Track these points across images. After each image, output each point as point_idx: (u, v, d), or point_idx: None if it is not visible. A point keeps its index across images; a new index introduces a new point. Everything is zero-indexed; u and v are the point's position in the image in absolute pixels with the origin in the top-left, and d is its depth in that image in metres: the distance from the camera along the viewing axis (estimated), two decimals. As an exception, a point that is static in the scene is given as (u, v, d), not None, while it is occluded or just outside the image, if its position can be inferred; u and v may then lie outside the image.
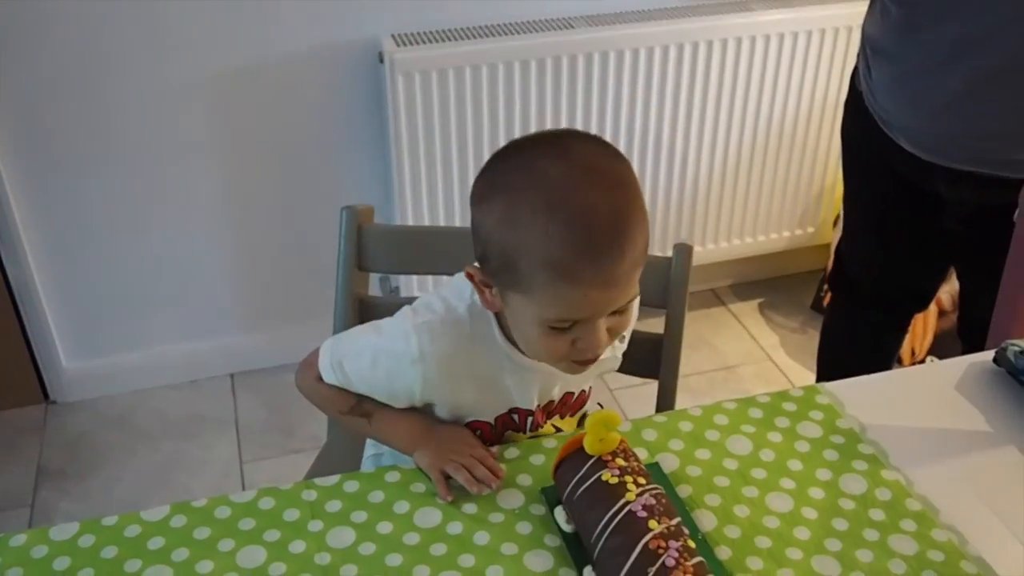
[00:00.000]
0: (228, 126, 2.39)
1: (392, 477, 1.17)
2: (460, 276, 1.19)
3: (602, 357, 1.16)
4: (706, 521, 1.11)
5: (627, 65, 2.43)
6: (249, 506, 1.13)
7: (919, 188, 1.78)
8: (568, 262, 1.02)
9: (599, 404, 1.16)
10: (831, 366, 2.19)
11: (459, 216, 2.49)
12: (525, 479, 1.17)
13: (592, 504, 1.04)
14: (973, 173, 1.68)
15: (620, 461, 1.08)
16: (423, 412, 1.25)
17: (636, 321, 1.31)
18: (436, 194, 2.46)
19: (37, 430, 2.53)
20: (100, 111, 2.28)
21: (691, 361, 2.73)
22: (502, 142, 1.13)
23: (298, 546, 1.08)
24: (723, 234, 2.80)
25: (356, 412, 1.26)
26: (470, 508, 1.12)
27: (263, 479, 2.37)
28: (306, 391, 1.31)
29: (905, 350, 2.65)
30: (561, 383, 1.28)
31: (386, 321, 1.24)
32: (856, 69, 1.84)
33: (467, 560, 1.06)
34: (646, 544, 0.98)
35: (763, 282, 3.06)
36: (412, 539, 1.09)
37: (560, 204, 1.02)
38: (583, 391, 1.34)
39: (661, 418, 1.26)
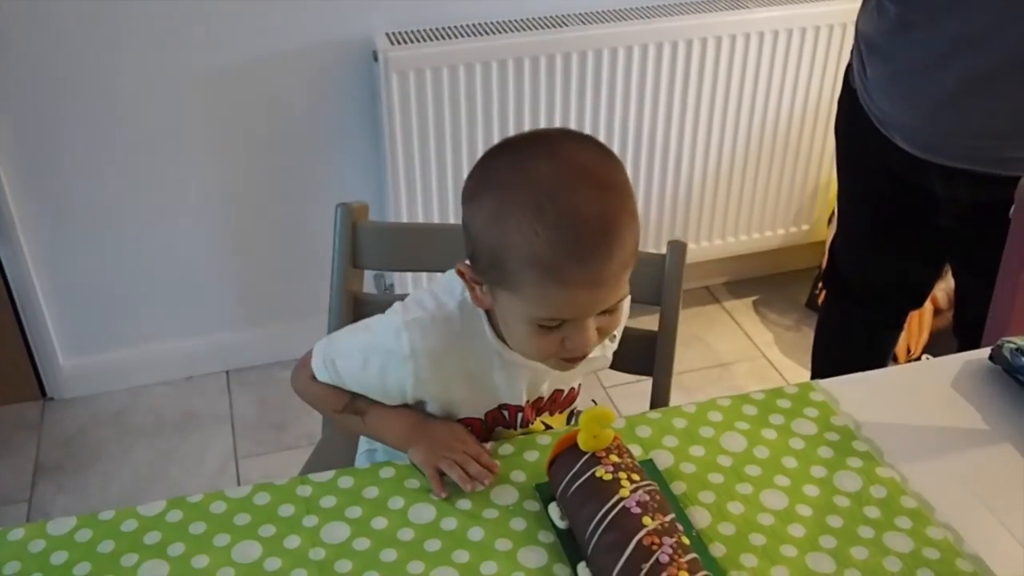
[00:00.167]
0: (223, 124, 2.39)
1: (387, 473, 1.17)
2: (451, 273, 1.20)
3: (591, 356, 1.17)
4: (700, 518, 1.11)
5: (621, 63, 2.44)
6: (244, 501, 1.13)
7: (914, 185, 1.78)
8: (556, 262, 1.02)
9: (593, 401, 1.16)
10: (826, 364, 2.19)
11: (453, 213, 2.49)
12: (519, 475, 1.17)
13: (586, 500, 1.04)
14: (968, 171, 1.68)
15: (614, 458, 1.08)
16: (416, 409, 1.25)
17: (630, 318, 1.32)
18: (431, 191, 2.46)
19: (34, 426, 2.53)
20: (95, 108, 2.28)
21: (685, 358, 2.73)
22: (496, 140, 1.13)
23: (293, 541, 1.08)
24: (717, 231, 2.81)
25: (350, 410, 1.26)
26: (464, 504, 1.12)
27: (258, 475, 2.37)
28: (301, 392, 1.31)
29: (901, 348, 2.66)
30: (550, 380, 1.28)
31: (377, 318, 1.24)
32: (850, 66, 1.84)
33: (461, 556, 1.06)
34: (640, 540, 0.98)
35: (758, 279, 3.06)
36: (406, 535, 1.09)
37: (549, 204, 1.02)
38: (572, 388, 1.34)
39: (655, 415, 1.26)
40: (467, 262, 1.14)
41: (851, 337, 2.16)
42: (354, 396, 1.25)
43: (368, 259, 1.54)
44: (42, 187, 2.33)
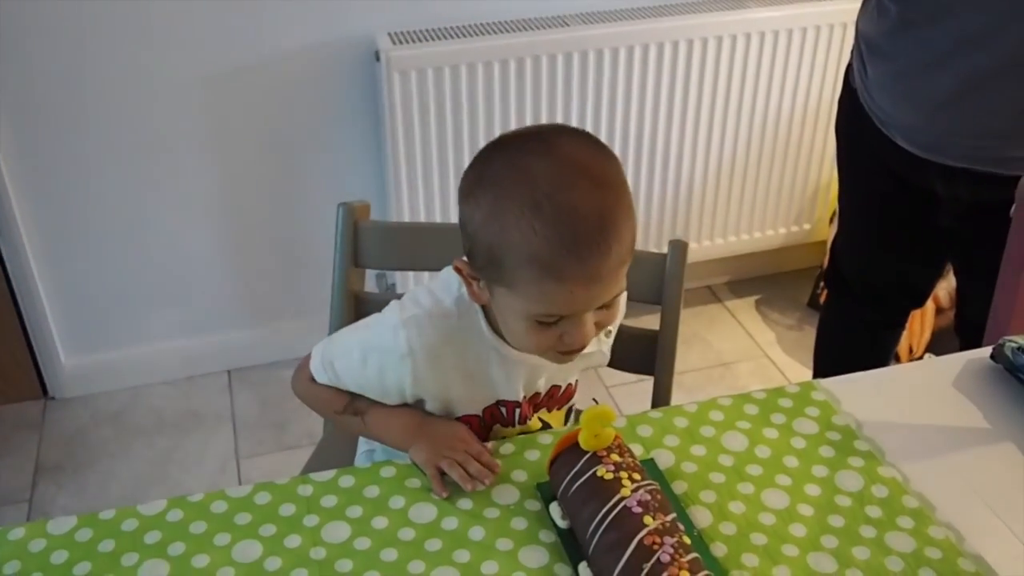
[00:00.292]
0: (225, 124, 2.39)
1: (387, 472, 1.17)
2: (448, 269, 1.20)
3: (588, 351, 1.17)
4: (701, 517, 1.11)
5: (622, 62, 2.44)
6: (245, 501, 1.13)
7: (914, 185, 1.78)
8: (553, 259, 1.02)
9: (594, 400, 1.15)
10: (827, 363, 2.19)
11: (455, 213, 2.45)
12: (520, 475, 1.17)
13: (587, 500, 1.04)
14: (969, 170, 1.68)
15: (615, 457, 1.08)
16: (417, 408, 1.25)
17: (631, 318, 1.32)
18: (432, 191, 2.46)
19: (36, 426, 2.53)
20: (96, 108, 2.28)
21: (687, 358, 2.73)
22: (497, 140, 1.13)
23: (294, 541, 1.08)
24: (719, 231, 2.81)
25: (350, 411, 1.26)
26: (465, 504, 1.12)
27: (259, 474, 2.37)
28: (301, 394, 1.31)
29: (903, 348, 2.65)
30: (547, 375, 1.28)
31: (374, 317, 1.24)
32: (850, 66, 1.84)
33: (462, 556, 1.06)
34: (641, 540, 0.98)
35: (759, 279, 3.06)
36: (407, 534, 1.09)
37: (546, 201, 1.02)
38: (570, 384, 1.34)
39: (656, 414, 1.26)
40: (464, 258, 1.14)
41: (853, 337, 2.16)
42: (354, 396, 1.25)
43: (369, 258, 1.54)
44: (44, 186, 2.33)
